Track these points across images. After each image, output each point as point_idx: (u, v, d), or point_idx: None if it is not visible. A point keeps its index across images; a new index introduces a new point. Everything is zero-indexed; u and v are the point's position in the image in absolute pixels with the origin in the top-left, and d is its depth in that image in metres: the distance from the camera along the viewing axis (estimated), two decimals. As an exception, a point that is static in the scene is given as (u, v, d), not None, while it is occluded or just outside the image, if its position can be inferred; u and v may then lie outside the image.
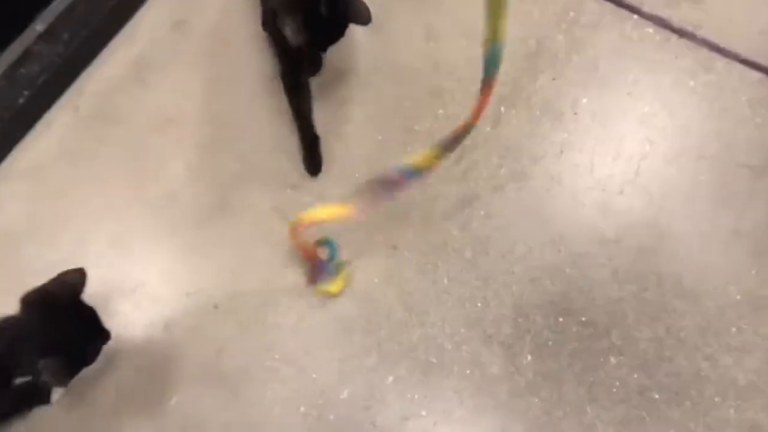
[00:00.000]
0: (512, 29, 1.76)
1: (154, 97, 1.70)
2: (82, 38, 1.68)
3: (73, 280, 1.24)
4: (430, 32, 1.77)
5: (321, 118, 1.64)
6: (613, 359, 1.41)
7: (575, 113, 1.69)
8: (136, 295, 1.50)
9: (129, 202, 1.58)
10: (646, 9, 1.80)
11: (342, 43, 1.48)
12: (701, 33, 1.77)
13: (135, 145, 1.64)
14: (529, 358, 1.42)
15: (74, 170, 1.61)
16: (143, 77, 1.72)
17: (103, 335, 1.27)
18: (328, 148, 1.63)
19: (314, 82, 1.67)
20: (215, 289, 1.51)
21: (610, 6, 1.81)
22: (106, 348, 1.29)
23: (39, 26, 1.65)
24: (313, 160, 1.62)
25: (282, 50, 1.64)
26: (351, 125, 1.67)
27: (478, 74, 1.20)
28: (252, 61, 1.73)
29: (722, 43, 1.76)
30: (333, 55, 1.61)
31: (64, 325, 1.21)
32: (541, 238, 1.56)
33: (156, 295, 1.50)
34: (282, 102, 1.66)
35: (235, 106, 1.69)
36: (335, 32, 1.47)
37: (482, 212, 1.58)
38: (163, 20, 1.78)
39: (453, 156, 1.57)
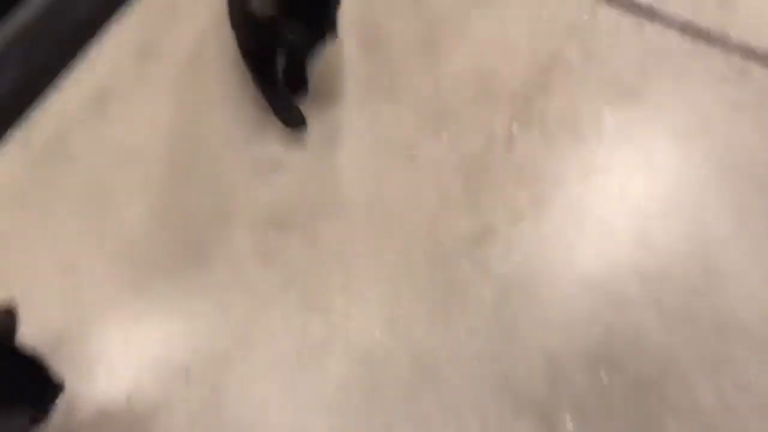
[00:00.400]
0: (519, 40, 1.61)
1: (116, 130, 1.48)
2: (35, 66, 1.47)
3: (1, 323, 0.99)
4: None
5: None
6: (672, 423, 1.16)
7: (599, 131, 1.48)
8: (92, 362, 1.25)
9: (84, 251, 1.35)
10: (667, 13, 1.61)
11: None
12: (732, 36, 1.57)
13: (93, 185, 1.42)
14: (570, 425, 1.16)
15: (21, 214, 1.39)
16: (105, 109, 1.51)
17: (53, 388, 1.02)
18: (320, 179, 1.42)
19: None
20: (186, 351, 1.26)
21: (628, 12, 1.62)
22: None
23: (-16, 53, 1.45)
24: (291, 112, 1.44)
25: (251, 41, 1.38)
26: (344, 154, 1.46)
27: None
28: (227, 88, 1.53)
29: (757, 47, 1.56)
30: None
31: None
32: (570, 276, 1.32)
33: (116, 361, 1.26)
34: (261, 131, 1.45)
35: (208, 138, 1.47)
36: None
37: (500, 248, 1.35)
38: (129, 46, 1.58)
39: (460, 183, 1.36)
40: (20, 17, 1.48)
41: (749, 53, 1.56)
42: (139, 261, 1.34)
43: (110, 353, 1.26)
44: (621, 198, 1.41)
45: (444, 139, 1.46)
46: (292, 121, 1.45)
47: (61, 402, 1.02)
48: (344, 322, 1.27)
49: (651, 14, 1.61)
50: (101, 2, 1.55)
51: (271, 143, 1.46)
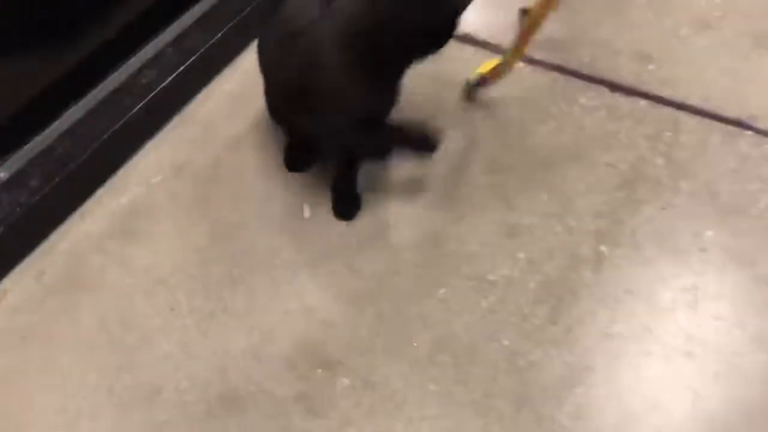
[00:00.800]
0: (598, 154, 1.44)
1: (143, 255, 1.30)
2: (56, 187, 1.32)
3: None
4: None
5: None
6: None
7: (702, 249, 1.26)
8: None
9: (95, 396, 1.12)
10: (759, 125, 1.44)
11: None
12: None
13: (111, 318, 1.22)
14: None
15: (26, 353, 1.18)
16: (131, 230, 1.34)
17: None
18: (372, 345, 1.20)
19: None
20: None
21: (715, 123, 1.45)
22: None
23: (2, 173, 1.32)
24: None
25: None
26: (407, 268, 1.25)
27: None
28: (269, 203, 1.36)
29: None
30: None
31: None
32: (690, 427, 1.05)
33: None
34: (311, 252, 1.26)
35: (249, 261, 1.28)
36: None
37: (597, 390, 1.09)
38: (163, 163, 1.44)
39: (544, 312, 1.14)
40: (45, 137, 1.38)
41: None
42: (162, 409, 1.10)
43: None
44: (742, 328, 1.16)
45: (522, 260, 1.25)
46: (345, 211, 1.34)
47: None
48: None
49: (741, 125, 1.44)
50: (130, 127, 1.44)
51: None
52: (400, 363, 1.14)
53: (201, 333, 1.20)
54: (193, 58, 1.53)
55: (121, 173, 1.43)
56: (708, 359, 1.12)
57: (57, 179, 1.33)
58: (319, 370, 1.14)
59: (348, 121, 1.21)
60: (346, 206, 1.34)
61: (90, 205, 1.38)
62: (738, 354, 1.13)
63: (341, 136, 1.27)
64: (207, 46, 1.55)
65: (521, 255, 1.26)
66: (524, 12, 1.37)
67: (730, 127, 1.44)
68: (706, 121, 1.46)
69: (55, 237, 1.33)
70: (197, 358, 1.16)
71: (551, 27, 1.65)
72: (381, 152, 1.41)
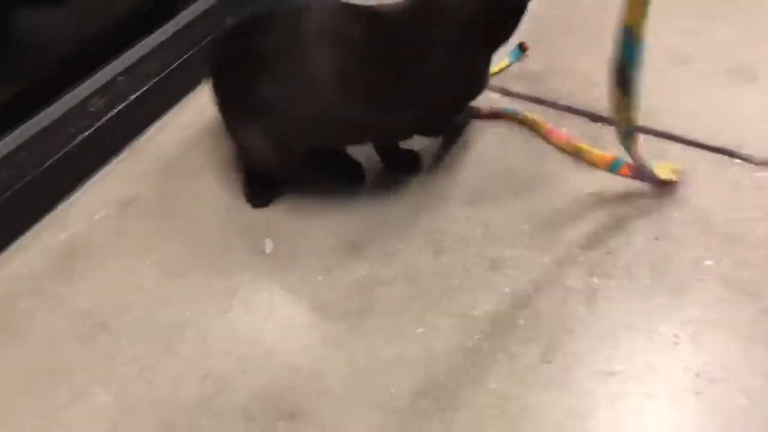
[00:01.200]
0: (584, 185, 1.35)
1: (81, 296, 1.15)
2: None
3: None
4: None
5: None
6: None
7: (701, 280, 1.16)
8: None
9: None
10: (747, 153, 1.37)
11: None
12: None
13: (40, 370, 1.05)
14: None
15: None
16: (69, 269, 1.19)
17: None
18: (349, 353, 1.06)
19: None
20: None
21: (703, 152, 1.38)
22: None
23: None
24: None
25: None
26: (381, 305, 1.12)
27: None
28: (226, 239, 1.23)
29: None
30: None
31: None
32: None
33: None
34: (273, 291, 1.12)
35: (203, 302, 1.14)
36: None
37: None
38: (109, 197, 1.31)
39: (537, 351, 1.01)
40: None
41: None
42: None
43: None
44: (745, 361, 1.04)
45: (507, 294, 1.13)
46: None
47: None
48: None
49: (730, 155, 1.37)
50: (73, 158, 1.30)
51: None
52: (376, 412, 0.99)
53: (146, 382, 1.04)
54: (146, 87, 1.42)
55: (62, 207, 1.29)
56: (719, 399, 1.00)
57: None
58: (282, 422, 0.99)
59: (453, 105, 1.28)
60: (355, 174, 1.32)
61: (24, 241, 1.24)
62: (751, 393, 1.01)
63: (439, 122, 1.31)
64: (162, 75, 1.45)
65: (506, 289, 1.14)
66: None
67: (719, 156, 1.37)
68: (694, 150, 1.38)
69: (-17, 276, 1.18)
70: (140, 412, 1.00)
71: (528, 60, 1.60)
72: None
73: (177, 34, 1.52)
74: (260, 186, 1.29)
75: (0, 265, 1.20)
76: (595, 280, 1.15)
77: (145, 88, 1.42)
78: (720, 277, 1.16)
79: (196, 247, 1.22)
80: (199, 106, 1.48)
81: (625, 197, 1.29)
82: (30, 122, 1.30)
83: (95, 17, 1.44)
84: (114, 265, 1.20)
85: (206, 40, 1.52)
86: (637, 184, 1.31)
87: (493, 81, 1.50)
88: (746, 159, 1.36)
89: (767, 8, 1.76)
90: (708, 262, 1.18)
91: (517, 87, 1.53)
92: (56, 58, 1.37)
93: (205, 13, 1.58)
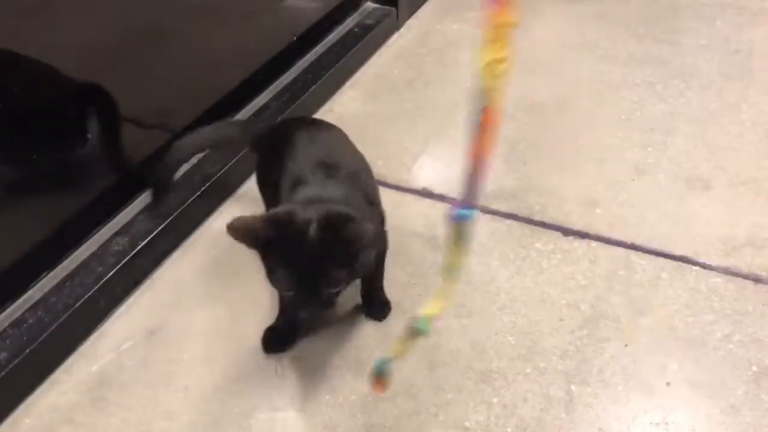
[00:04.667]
0: (558, 296, 1.51)
1: (113, 425, 1.28)
2: (25, 359, 1.31)
3: None
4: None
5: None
6: None
7: (668, 384, 1.30)
8: None
9: None
10: (703, 260, 1.54)
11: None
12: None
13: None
14: None
15: None
16: (101, 399, 1.32)
17: None
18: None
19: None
20: None
21: (664, 260, 1.54)
22: None
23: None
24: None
25: None
26: (384, 419, 1.24)
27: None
28: (242, 365, 1.36)
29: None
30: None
31: None
32: None
33: None
34: (286, 411, 1.25)
35: (223, 427, 1.27)
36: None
37: None
38: (135, 328, 1.45)
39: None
40: (16, 309, 1.38)
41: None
42: None
43: None
44: (717, 461, 1.17)
45: (496, 404, 1.26)
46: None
47: None
48: None
49: (688, 262, 1.54)
50: (101, 294, 1.46)
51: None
52: None
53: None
54: (165, 223, 1.59)
55: (92, 340, 1.43)
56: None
57: (27, 351, 1.32)
58: None
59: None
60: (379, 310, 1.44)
61: (59, 374, 1.37)
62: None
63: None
64: (178, 211, 1.62)
65: (495, 400, 1.28)
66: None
67: (678, 264, 1.53)
68: (655, 259, 1.55)
69: (20, 411, 1.30)
70: None
71: (503, 179, 1.78)
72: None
73: (187, 173, 1.70)
74: (279, 336, 1.41)
75: (38, 398, 1.33)
76: (573, 388, 1.29)
77: (164, 224, 1.58)
78: (685, 380, 1.30)
79: (216, 372, 1.36)
80: (213, 235, 1.65)
81: (596, 306, 1.45)
82: (59, 266, 1.46)
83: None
84: (142, 392, 1.33)
85: (218, 174, 1.71)
86: (607, 294, 1.47)
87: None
88: (703, 266, 1.53)
89: (715, 119, 1.96)
90: (673, 366, 1.33)
91: (494, 204, 1.70)
92: (79, 204, 1.53)
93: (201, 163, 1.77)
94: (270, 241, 1.09)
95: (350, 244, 1.08)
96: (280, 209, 1.16)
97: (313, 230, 1.07)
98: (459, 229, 0.92)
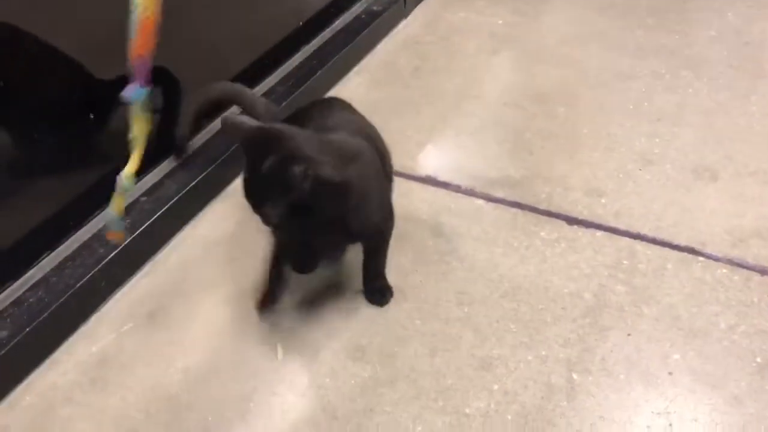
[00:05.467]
0: (561, 284, 1.50)
1: (113, 405, 1.28)
2: (26, 337, 1.31)
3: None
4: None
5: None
6: None
7: (670, 373, 1.29)
8: None
9: None
10: (709, 251, 1.52)
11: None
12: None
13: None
14: None
15: None
16: (101, 379, 1.32)
17: None
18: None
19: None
20: None
21: (669, 251, 1.53)
22: None
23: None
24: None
25: None
26: (384, 405, 1.24)
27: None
28: (242, 346, 1.36)
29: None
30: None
31: None
32: None
33: None
34: (284, 395, 1.25)
35: (223, 407, 1.26)
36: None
37: None
38: (135, 310, 1.45)
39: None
40: (16, 288, 1.38)
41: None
42: None
43: None
44: (719, 451, 1.16)
45: (497, 391, 1.26)
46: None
47: None
48: None
49: (694, 252, 1.52)
50: (102, 275, 1.46)
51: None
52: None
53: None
54: (167, 205, 1.58)
55: (93, 321, 1.43)
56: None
57: (27, 330, 1.32)
58: None
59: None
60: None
61: (59, 354, 1.37)
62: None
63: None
64: (179, 195, 1.61)
65: (496, 387, 1.27)
66: None
67: (684, 254, 1.52)
68: (660, 249, 1.54)
69: (21, 389, 1.30)
70: None
71: (509, 167, 1.77)
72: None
73: (191, 155, 1.69)
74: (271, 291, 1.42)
75: (38, 377, 1.33)
76: (575, 376, 1.28)
77: (166, 206, 1.58)
78: (687, 370, 1.29)
79: (216, 355, 1.35)
80: (216, 218, 1.65)
81: (599, 295, 1.43)
82: (61, 247, 1.45)
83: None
84: (142, 373, 1.33)
85: (221, 158, 1.70)
86: (611, 283, 1.46)
87: (476, 188, 1.68)
88: (709, 257, 1.51)
89: (724, 110, 1.94)
90: (676, 356, 1.31)
91: (499, 193, 1.69)
92: (80, 186, 1.53)
93: (205, 145, 1.76)
94: (249, 147, 1.16)
95: (292, 183, 1.10)
96: (280, 125, 1.23)
97: (271, 161, 1.10)
98: (136, 106, 1.12)
